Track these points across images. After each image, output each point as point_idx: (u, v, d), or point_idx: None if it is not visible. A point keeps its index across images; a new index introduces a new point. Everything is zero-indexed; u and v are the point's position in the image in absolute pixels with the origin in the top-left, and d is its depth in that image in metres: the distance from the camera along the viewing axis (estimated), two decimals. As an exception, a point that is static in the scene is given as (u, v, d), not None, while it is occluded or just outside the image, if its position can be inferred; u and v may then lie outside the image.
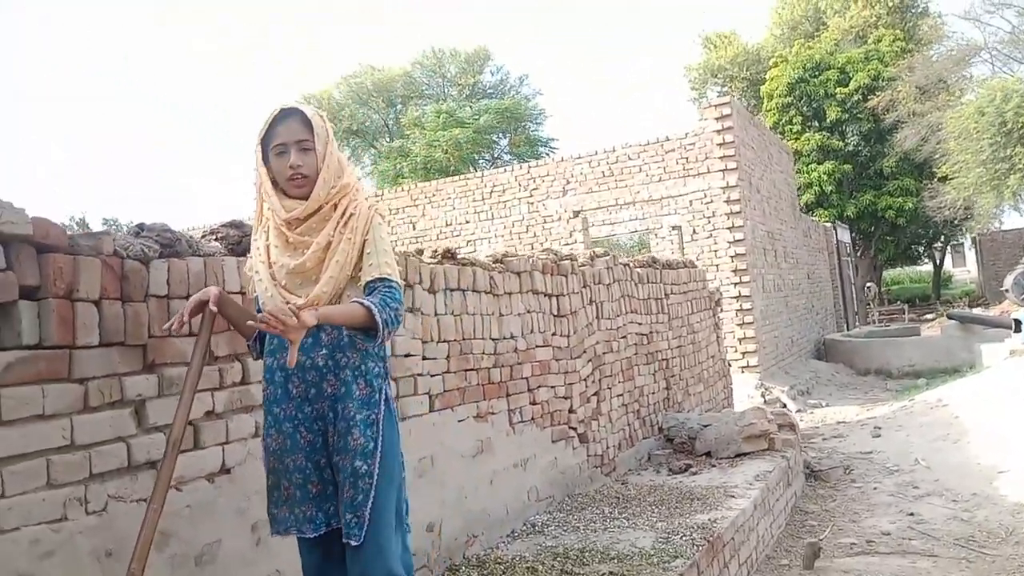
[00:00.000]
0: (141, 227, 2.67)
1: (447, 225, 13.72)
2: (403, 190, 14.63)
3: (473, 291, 4.42)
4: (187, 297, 2.62)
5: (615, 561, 3.82)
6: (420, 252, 4.28)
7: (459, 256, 4.46)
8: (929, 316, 25.16)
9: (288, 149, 2.34)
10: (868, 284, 26.76)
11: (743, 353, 11.55)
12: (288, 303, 2.19)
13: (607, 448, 5.79)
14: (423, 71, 34.59)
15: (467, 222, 13.56)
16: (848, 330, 19.06)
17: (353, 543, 2.27)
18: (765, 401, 10.90)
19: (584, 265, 5.90)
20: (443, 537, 3.86)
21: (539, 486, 4.82)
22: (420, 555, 3.67)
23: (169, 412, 2.52)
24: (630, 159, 12.34)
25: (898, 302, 32.36)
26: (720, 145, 11.63)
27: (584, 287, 5.76)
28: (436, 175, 21.44)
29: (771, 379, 11.70)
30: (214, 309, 2.38)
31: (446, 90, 34.67)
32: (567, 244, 12.33)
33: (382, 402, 2.37)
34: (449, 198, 13.79)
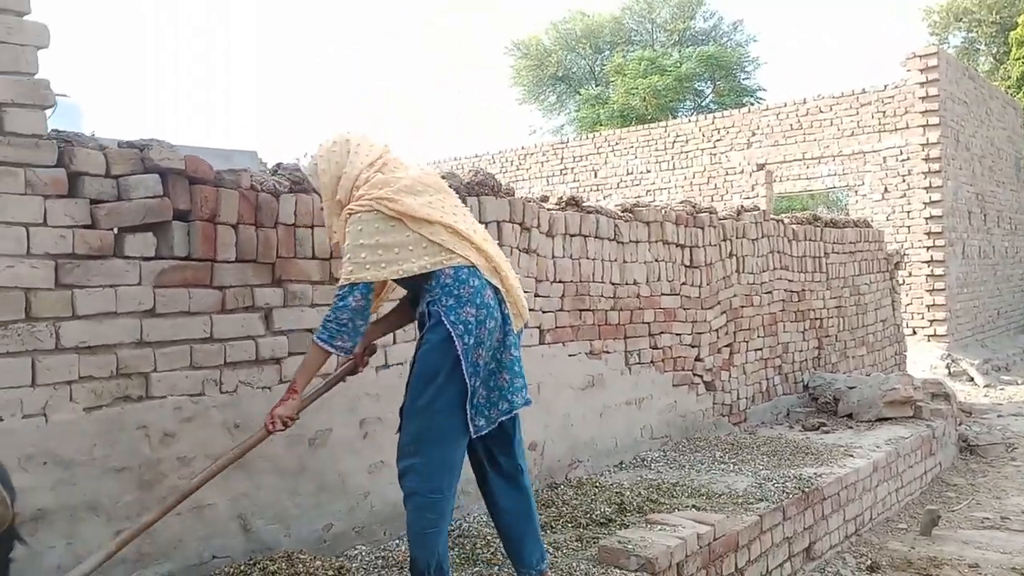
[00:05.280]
0: (278, 167, 3.23)
1: (628, 174, 13.83)
2: (587, 138, 14.87)
3: (596, 237, 4.71)
4: (312, 227, 3.17)
5: (703, 497, 4.04)
6: (544, 199, 4.62)
7: (584, 204, 4.76)
8: None
9: None
10: None
11: (931, 321, 10.87)
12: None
13: (737, 399, 5.90)
14: (632, 16, 34.08)
15: (648, 171, 13.60)
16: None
17: None
18: (950, 372, 10.29)
19: (726, 218, 5.97)
20: (545, 457, 4.26)
21: (654, 425, 5.08)
22: (520, 470, 4.09)
23: (291, 320, 3.09)
24: (821, 111, 11.79)
25: None
26: (923, 99, 10.83)
27: (724, 240, 5.84)
28: (632, 123, 21.39)
29: (962, 351, 10.94)
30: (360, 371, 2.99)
31: (655, 36, 34.02)
32: (748, 197, 12.08)
33: (427, 335, 2.65)
34: (632, 147, 13.87)
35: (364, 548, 3.25)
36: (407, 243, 2.61)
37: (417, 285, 2.72)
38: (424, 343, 2.64)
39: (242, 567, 2.77)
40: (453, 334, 2.57)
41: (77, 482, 2.48)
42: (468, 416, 2.61)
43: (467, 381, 2.58)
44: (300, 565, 2.77)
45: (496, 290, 2.70)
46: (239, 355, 2.93)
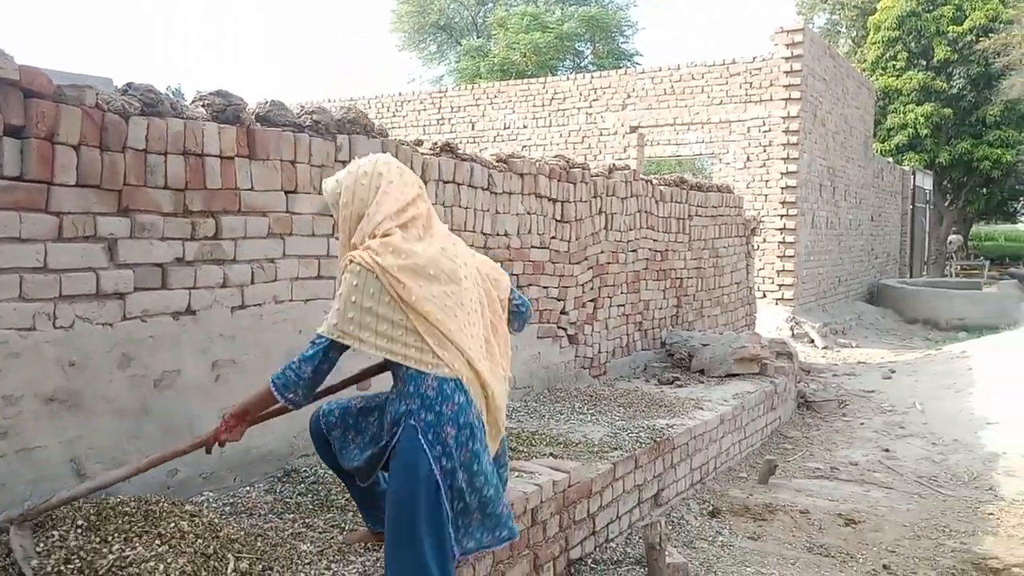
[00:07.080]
0: (129, 86, 2.98)
1: (505, 128, 13.81)
2: (466, 89, 14.73)
3: (469, 186, 4.66)
4: (165, 153, 2.96)
5: (560, 446, 4.13)
6: (419, 143, 4.52)
7: (459, 152, 4.69)
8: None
9: None
10: (952, 237, 25.79)
11: (780, 286, 11.53)
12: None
13: (599, 352, 6.05)
14: (517, -31, 33.71)
15: (525, 127, 13.62)
16: (910, 278, 18.62)
17: None
18: (793, 334, 10.95)
19: (598, 176, 6.05)
20: (407, 405, 4.22)
21: (517, 375, 5.13)
22: (381, 417, 4.05)
23: (138, 253, 2.89)
24: (693, 79, 12.13)
25: (981, 258, 31.08)
26: (787, 73, 11.32)
27: (594, 197, 5.92)
28: (512, 78, 21.31)
29: (806, 314, 11.68)
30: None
31: (538, -9, 33.84)
32: (620, 159, 12.32)
33: (399, 454, 2.36)
34: (510, 101, 13.84)
35: (211, 495, 3.13)
36: (398, 325, 2.32)
37: (395, 369, 2.43)
38: (393, 468, 2.37)
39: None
40: (430, 455, 2.29)
41: None
42: (451, 540, 2.33)
43: (445, 506, 2.32)
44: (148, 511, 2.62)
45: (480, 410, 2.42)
46: (77, 287, 2.72)
